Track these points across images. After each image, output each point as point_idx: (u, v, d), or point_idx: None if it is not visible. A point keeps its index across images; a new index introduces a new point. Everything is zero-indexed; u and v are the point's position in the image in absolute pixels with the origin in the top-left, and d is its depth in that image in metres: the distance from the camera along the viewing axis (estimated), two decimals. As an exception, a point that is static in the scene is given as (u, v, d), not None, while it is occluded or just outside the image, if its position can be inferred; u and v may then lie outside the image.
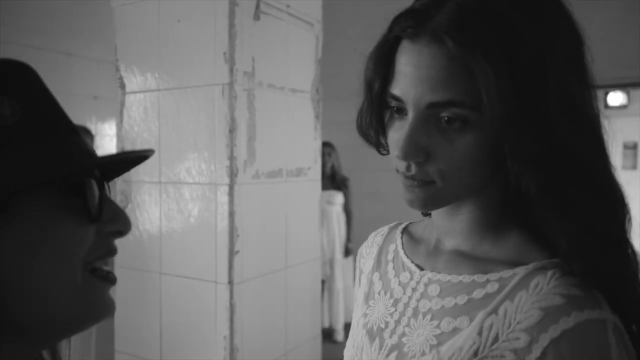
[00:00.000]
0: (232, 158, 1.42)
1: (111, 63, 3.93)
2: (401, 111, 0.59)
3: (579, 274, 0.55)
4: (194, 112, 1.47)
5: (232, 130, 1.41)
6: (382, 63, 0.59)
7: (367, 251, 0.83)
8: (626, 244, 0.58)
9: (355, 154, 4.96)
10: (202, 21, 1.45)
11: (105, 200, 0.51)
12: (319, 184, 1.80)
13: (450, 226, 0.67)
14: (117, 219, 0.52)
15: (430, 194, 0.60)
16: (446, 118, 0.55)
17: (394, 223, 0.83)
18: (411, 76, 0.55)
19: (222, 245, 1.43)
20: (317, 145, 1.79)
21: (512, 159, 0.55)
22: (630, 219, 0.59)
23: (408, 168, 0.59)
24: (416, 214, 0.92)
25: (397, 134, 0.60)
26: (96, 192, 0.50)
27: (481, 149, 0.56)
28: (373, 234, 0.85)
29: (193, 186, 1.46)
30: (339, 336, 4.10)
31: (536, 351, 0.52)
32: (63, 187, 0.48)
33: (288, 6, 1.61)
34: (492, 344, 0.56)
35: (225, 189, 1.42)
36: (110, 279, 0.52)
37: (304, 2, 1.68)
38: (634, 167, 6.54)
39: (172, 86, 1.51)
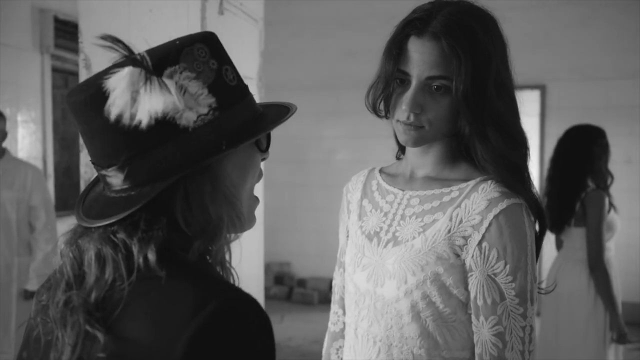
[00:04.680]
0: (203, 132, 1.65)
1: (29, 50, 3.83)
2: (403, 82, 0.93)
3: (501, 183, 0.93)
4: (166, 92, 1.67)
5: (203, 107, 1.65)
6: (395, 50, 0.92)
7: (353, 187, 1.14)
8: (525, 169, 0.96)
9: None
10: (174, 13, 1.66)
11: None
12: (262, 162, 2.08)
13: (422, 160, 1.01)
14: (268, 150, 0.73)
15: (420, 135, 0.94)
16: (436, 86, 0.90)
17: (370, 167, 1.16)
18: (417, 59, 0.89)
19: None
20: (261, 126, 2.07)
21: (464, 115, 0.91)
22: (529, 155, 0.97)
23: (408, 117, 0.92)
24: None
25: (400, 96, 0.93)
26: None
27: (453, 107, 0.91)
28: (355, 175, 1.16)
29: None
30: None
31: (485, 223, 0.89)
32: None
33: (241, 4, 1.87)
34: (459, 224, 0.91)
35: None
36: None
37: (251, 2, 1.95)
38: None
39: (143, 68, 1.69)
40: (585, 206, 2.43)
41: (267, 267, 5.55)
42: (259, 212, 2.14)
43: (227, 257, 0.66)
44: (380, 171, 1.12)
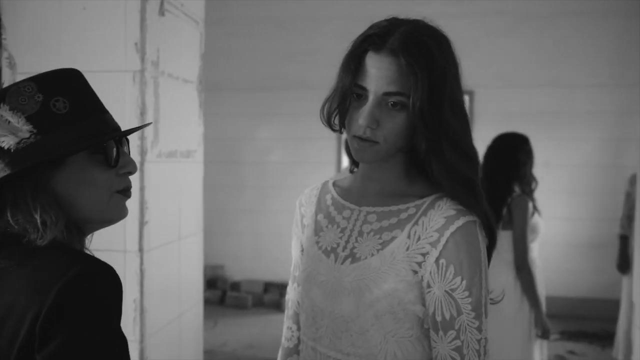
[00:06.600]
0: (142, 138, 1.58)
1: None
2: (360, 96, 0.93)
3: (456, 199, 0.95)
4: (102, 96, 1.58)
5: (142, 113, 1.57)
6: (352, 65, 0.91)
7: (307, 200, 1.13)
8: (477, 183, 1.00)
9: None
10: (111, 12, 1.57)
11: (121, 153, 0.83)
12: (202, 165, 2.02)
13: (377, 175, 1.01)
14: (128, 164, 0.84)
15: (375, 152, 0.94)
16: (392, 102, 0.90)
17: (324, 181, 1.15)
18: (374, 74, 0.89)
19: (132, 217, 1.58)
20: (201, 131, 2.01)
21: (420, 131, 0.93)
22: (479, 170, 1.01)
23: (365, 132, 0.92)
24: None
25: (356, 111, 0.93)
26: (113, 149, 0.82)
27: (409, 123, 0.92)
28: (308, 189, 1.15)
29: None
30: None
31: (442, 240, 0.91)
32: (92, 149, 0.80)
33: (182, 5, 1.80)
34: (417, 241, 0.92)
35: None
36: (127, 195, 0.85)
37: (192, 2, 1.89)
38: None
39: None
40: (511, 211, 2.56)
41: (200, 271, 5.42)
42: (198, 220, 2.07)
43: (80, 242, 0.84)
44: (334, 185, 1.11)
